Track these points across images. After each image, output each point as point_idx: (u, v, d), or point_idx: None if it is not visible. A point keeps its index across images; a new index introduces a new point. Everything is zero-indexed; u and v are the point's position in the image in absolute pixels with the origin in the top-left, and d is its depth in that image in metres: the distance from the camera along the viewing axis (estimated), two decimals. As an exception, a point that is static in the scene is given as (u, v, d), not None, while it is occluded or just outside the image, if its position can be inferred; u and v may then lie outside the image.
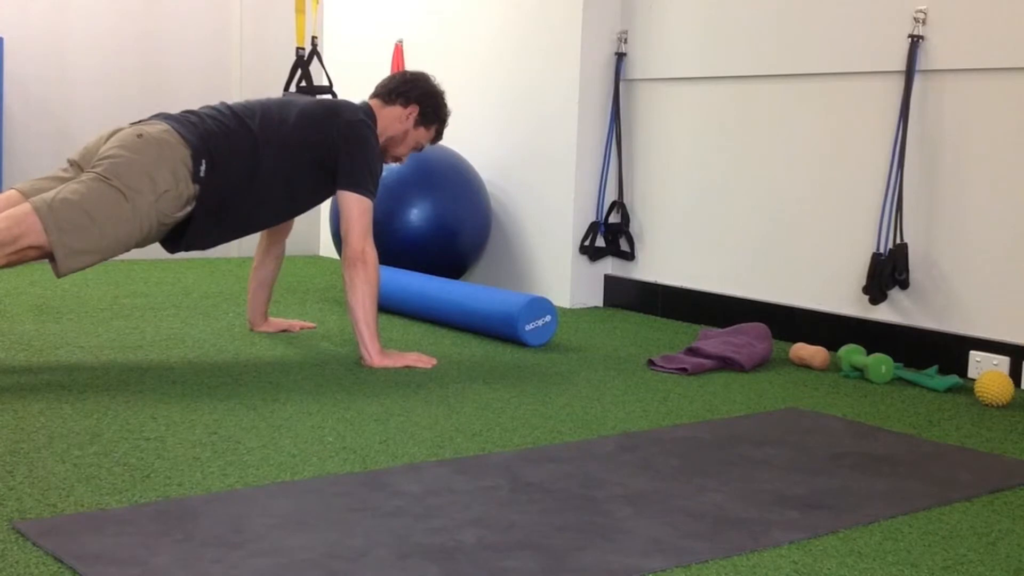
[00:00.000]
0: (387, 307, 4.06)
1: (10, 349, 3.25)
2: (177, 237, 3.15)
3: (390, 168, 4.50)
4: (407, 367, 3.22)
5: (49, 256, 2.85)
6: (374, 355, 3.21)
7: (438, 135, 3.52)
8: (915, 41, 3.54)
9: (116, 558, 1.70)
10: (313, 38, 4.51)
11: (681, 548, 1.85)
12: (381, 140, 3.37)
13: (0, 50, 5.26)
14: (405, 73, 3.52)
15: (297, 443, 2.40)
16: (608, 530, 1.93)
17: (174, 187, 2.99)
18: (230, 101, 3.32)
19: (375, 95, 3.45)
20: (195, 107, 3.25)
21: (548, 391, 3.03)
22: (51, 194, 2.86)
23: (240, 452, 2.31)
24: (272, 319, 3.74)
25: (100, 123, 5.75)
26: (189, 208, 3.06)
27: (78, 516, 1.88)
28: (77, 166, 3.05)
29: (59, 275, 2.89)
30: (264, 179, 3.18)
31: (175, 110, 3.28)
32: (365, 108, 3.38)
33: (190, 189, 3.03)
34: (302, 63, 4.43)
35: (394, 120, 3.40)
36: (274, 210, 3.32)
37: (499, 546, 1.82)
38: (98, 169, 2.94)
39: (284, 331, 3.70)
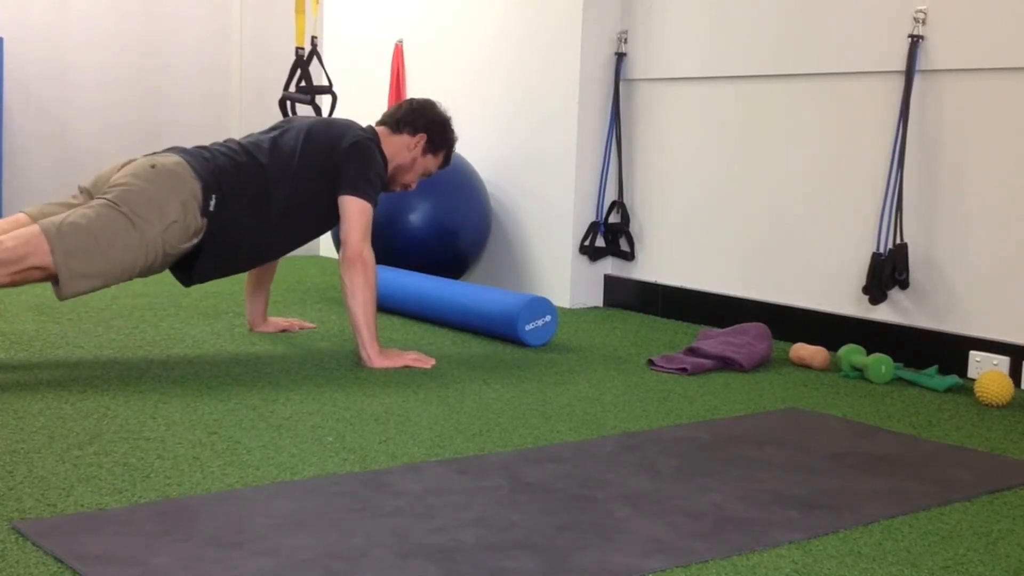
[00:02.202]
0: (387, 307, 4.06)
1: (10, 349, 3.25)
2: (188, 269, 3.20)
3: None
4: (406, 367, 3.22)
5: (53, 278, 2.89)
6: (373, 356, 3.21)
7: (446, 161, 3.55)
8: (915, 41, 3.54)
9: (116, 558, 1.70)
10: (313, 38, 4.52)
11: (681, 548, 1.85)
12: (390, 168, 3.41)
13: (0, 50, 5.27)
14: (412, 101, 3.53)
15: (297, 443, 2.40)
16: (608, 530, 1.93)
17: (182, 219, 3.03)
18: (236, 127, 3.35)
19: (382, 123, 3.48)
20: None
21: (548, 391, 3.03)
22: (60, 217, 2.90)
23: (240, 452, 2.31)
24: (272, 319, 3.74)
25: (100, 123, 5.77)
26: (195, 241, 3.10)
27: (78, 516, 1.88)
28: (87, 193, 3.09)
29: (61, 298, 2.93)
30: (275, 212, 3.23)
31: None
32: (369, 131, 3.41)
33: (198, 222, 3.08)
34: (302, 63, 4.44)
35: (402, 148, 3.43)
36: (285, 241, 3.36)
37: (499, 546, 1.83)
38: (109, 196, 2.98)
39: (284, 331, 3.71)
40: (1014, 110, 3.35)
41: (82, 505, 1.95)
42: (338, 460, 2.29)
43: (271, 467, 2.22)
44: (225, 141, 3.30)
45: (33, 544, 1.75)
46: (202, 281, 3.26)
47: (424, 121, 3.44)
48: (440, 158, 3.51)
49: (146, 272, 3.07)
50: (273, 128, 3.41)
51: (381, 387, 2.97)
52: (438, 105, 3.51)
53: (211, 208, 3.09)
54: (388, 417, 2.66)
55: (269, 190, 3.21)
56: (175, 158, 3.12)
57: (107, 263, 2.92)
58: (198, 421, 2.55)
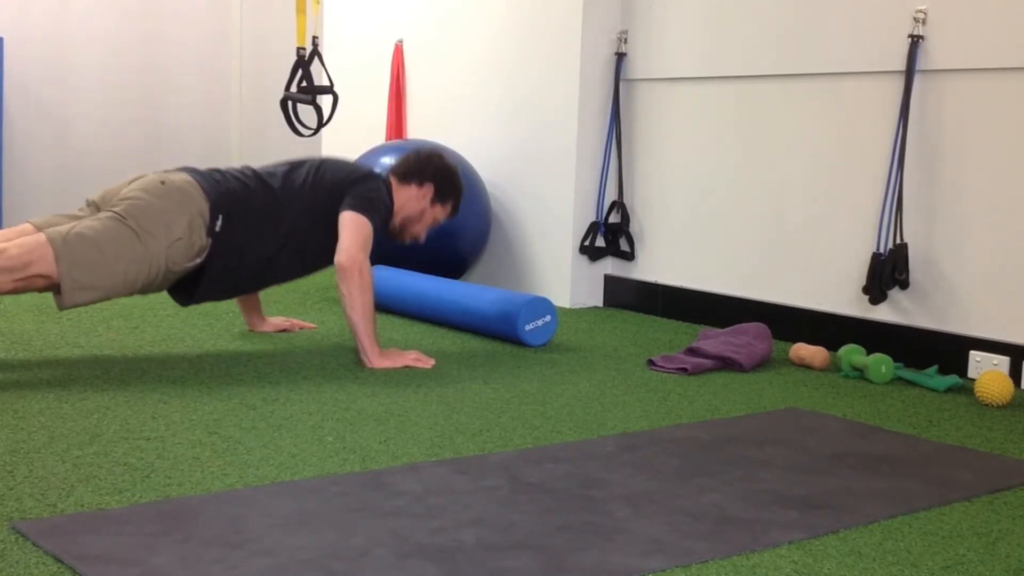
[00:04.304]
0: (387, 307, 4.06)
1: (10, 349, 3.25)
2: (188, 290, 3.22)
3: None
4: (407, 367, 3.22)
5: (55, 288, 2.91)
6: (374, 359, 3.22)
7: (454, 210, 3.56)
8: (915, 41, 3.54)
9: (116, 558, 1.70)
10: (314, 38, 4.52)
11: (681, 548, 1.85)
12: (399, 219, 3.43)
13: (0, 50, 5.27)
14: (419, 152, 3.55)
15: (297, 443, 2.40)
16: (608, 530, 1.93)
17: (187, 236, 3.06)
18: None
19: (391, 174, 3.49)
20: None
21: (548, 391, 3.03)
22: (66, 227, 2.93)
23: (240, 452, 2.31)
24: (271, 319, 3.75)
25: (100, 123, 5.78)
26: (199, 260, 3.12)
27: (78, 516, 1.88)
28: (95, 207, 3.13)
29: (62, 307, 2.95)
30: (279, 239, 3.25)
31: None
32: (384, 176, 3.44)
33: (203, 241, 3.10)
34: (303, 63, 4.44)
35: (410, 199, 3.44)
36: (287, 270, 3.38)
37: (499, 546, 1.83)
38: (117, 208, 3.02)
39: (283, 331, 3.71)
40: (1014, 110, 3.35)
41: (82, 505, 1.95)
42: (338, 460, 2.29)
43: (271, 467, 2.22)
44: (241, 167, 3.34)
45: (33, 544, 1.75)
46: (201, 302, 3.29)
47: (431, 171, 3.46)
48: (448, 208, 3.52)
49: (147, 288, 3.09)
50: (290, 160, 3.45)
51: (381, 387, 2.98)
52: (445, 155, 3.54)
53: (217, 229, 3.12)
54: (388, 417, 2.66)
55: (276, 217, 3.24)
56: (185, 176, 3.16)
57: (110, 275, 2.95)
58: (198, 421, 2.55)
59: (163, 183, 3.09)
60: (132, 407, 2.64)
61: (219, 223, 3.12)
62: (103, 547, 1.74)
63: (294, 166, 3.37)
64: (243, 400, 2.76)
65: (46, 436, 2.37)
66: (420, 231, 3.51)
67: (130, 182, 3.13)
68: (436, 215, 3.50)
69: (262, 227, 3.21)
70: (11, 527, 1.81)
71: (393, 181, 3.45)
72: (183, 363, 3.17)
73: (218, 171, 3.25)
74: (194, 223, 3.07)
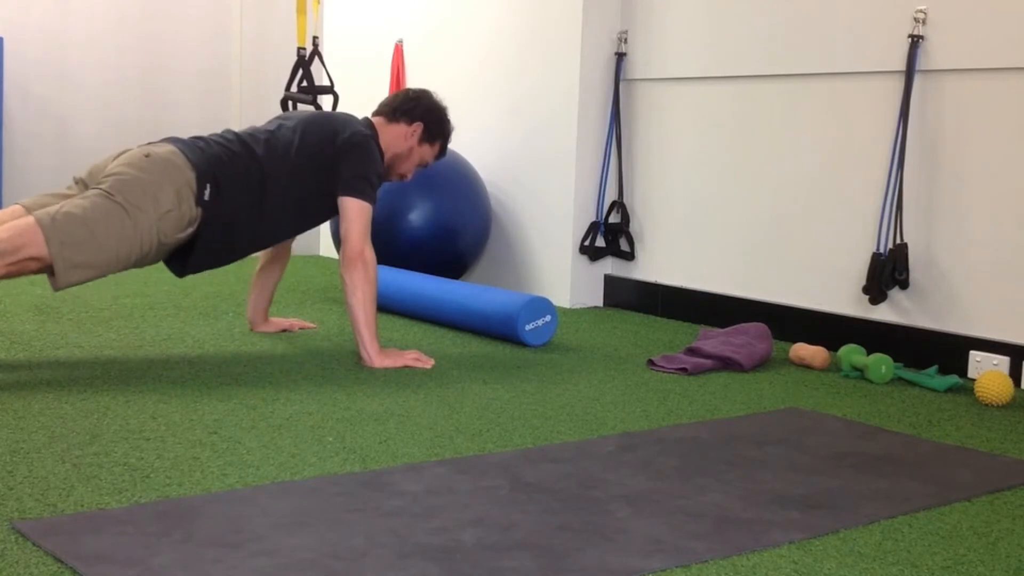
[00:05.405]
0: (387, 307, 4.06)
1: (10, 349, 3.25)
2: (182, 260, 3.19)
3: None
4: (406, 367, 3.22)
5: (48, 269, 2.89)
6: (373, 356, 3.21)
7: (442, 151, 3.54)
8: (915, 41, 3.54)
9: (116, 558, 1.70)
10: (314, 38, 4.52)
11: (681, 548, 1.85)
12: (387, 157, 3.40)
13: (0, 50, 5.27)
14: (408, 91, 3.53)
15: (297, 443, 2.40)
16: (608, 530, 1.93)
17: (176, 208, 3.03)
18: (236, 127, 3.33)
19: (378, 113, 3.47)
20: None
21: (548, 391, 3.03)
22: (54, 208, 2.90)
23: (240, 452, 2.31)
24: (272, 319, 3.74)
25: (100, 123, 5.77)
26: (190, 230, 3.09)
27: (78, 516, 1.88)
28: (83, 184, 3.10)
29: (56, 288, 2.93)
30: (270, 202, 3.22)
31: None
32: (366, 123, 3.41)
33: (193, 212, 3.07)
34: (303, 63, 4.45)
35: (398, 137, 3.42)
36: (280, 230, 3.36)
37: (499, 546, 1.83)
38: (103, 185, 2.98)
39: (284, 331, 3.71)
40: (1014, 110, 3.35)
41: (82, 505, 1.95)
42: (338, 460, 2.29)
43: (271, 467, 2.22)
44: (223, 132, 3.30)
45: (33, 544, 1.74)
46: (196, 271, 3.24)
47: (420, 110, 3.44)
48: (436, 148, 3.49)
49: (141, 262, 3.06)
50: (271, 121, 3.41)
51: (381, 387, 2.97)
52: (434, 94, 3.51)
53: (205, 197, 3.08)
54: (388, 417, 2.66)
55: (264, 182, 3.20)
56: (169, 147, 3.12)
57: (102, 252, 2.92)
58: (198, 421, 2.54)
59: (148, 156, 3.05)
60: (132, 407, 2.64)
61: (207, 192, 3.08)
62: (103, 547, 1.74)
63: (277, 127, 3.32)
64: (243, 400, 2.76)
65: (46, 436, 2.37)
66: (408, 170, 3.48)
67: (115, 156, 3.10)
68: (424, 155, 3.47)
69: (250, 193, 3.18)
70: (11, 527, 1.81)
71: (379, 121, 3.42)
72: (183, 363, 3.17)
73: (201, 139, 3.21)
74: (182, 194, 3.03)
